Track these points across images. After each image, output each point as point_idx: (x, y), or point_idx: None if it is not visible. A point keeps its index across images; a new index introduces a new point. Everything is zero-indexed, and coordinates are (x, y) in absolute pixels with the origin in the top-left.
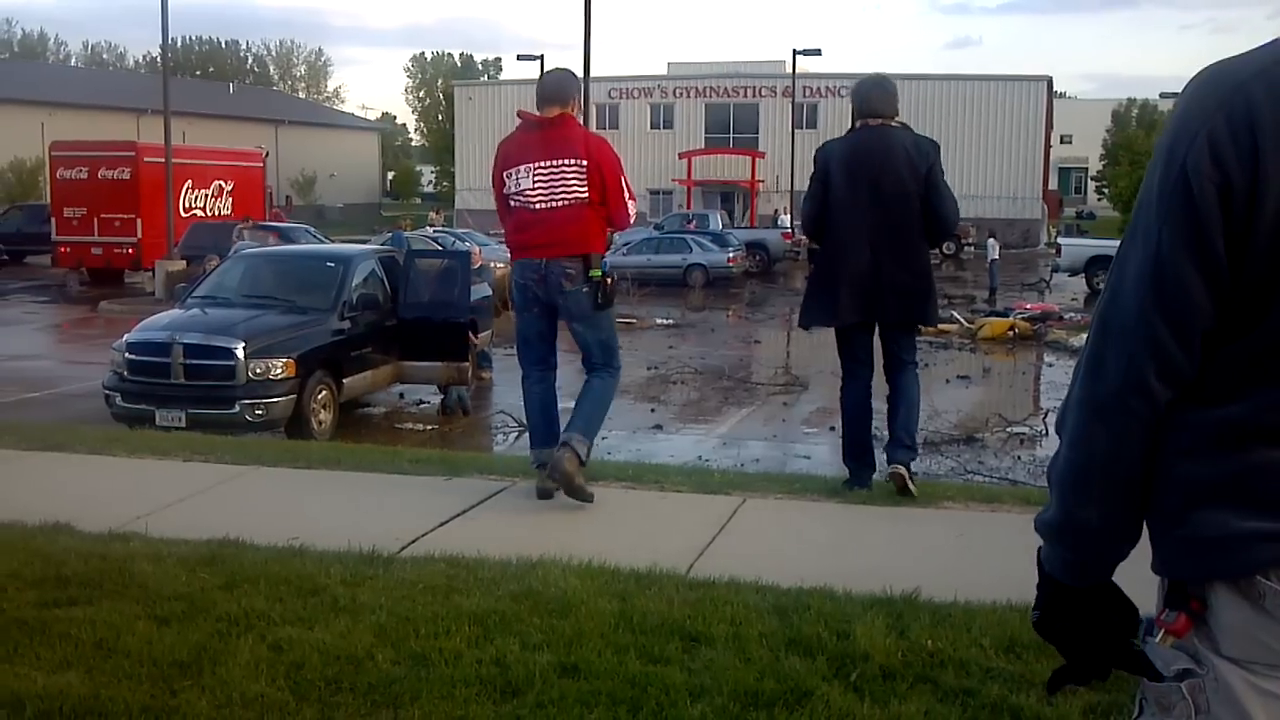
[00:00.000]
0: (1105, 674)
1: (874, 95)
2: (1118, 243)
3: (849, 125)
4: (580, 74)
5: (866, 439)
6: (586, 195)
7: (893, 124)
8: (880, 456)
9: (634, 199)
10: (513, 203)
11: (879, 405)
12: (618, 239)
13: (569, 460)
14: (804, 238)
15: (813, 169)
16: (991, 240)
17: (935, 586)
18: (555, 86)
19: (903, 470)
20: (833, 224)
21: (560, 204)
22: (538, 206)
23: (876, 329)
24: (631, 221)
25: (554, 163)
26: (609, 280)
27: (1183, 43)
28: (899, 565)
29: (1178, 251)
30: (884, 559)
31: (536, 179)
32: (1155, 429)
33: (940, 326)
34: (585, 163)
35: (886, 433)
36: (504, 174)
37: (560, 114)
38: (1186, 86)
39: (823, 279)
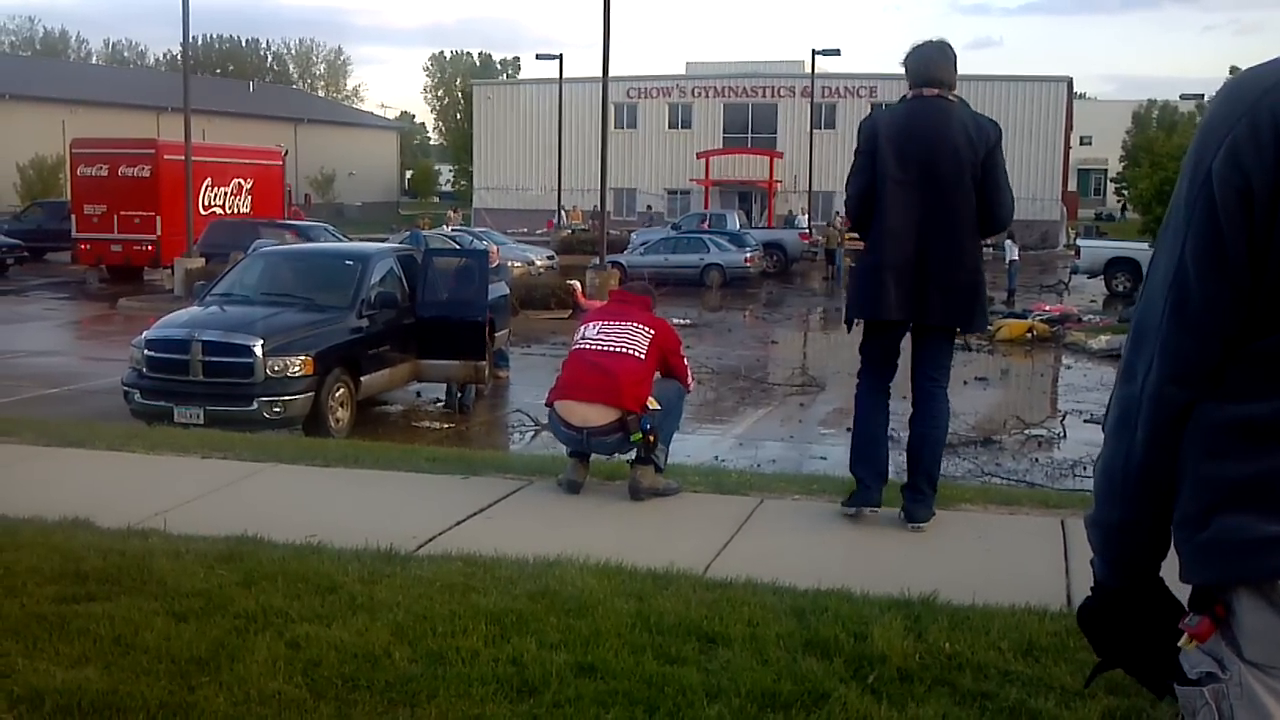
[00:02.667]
0: (1161, 691)
1: (935, 60)
2: (1138, 245)
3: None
4: (599, 74)
5: (882, 440)
6: (644, 354)
7: (950, 96)
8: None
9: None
10: (574, 347)
11: (898, 422)
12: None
13: (643, 475)
14: (822, 238)
15: (857, 142)
16: (1009, 241)
17: (953, 589)
18: (641, 290)
19: (923, 527)
20: (881, 207)
21: (615, 350)
22: (593, 347)
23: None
24: (691, 387)
25: (622, 323)
26: (651, 438)
27: (1205, 43)
28: (917, 567)
29: (1201, 257)
30: (901, 561)
31: (601, 330)
32: (1180, 433)
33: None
34: (651, 331)
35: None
36: (578, 330)
37: (641, 298)
38: (1216, 93)
39: (869, 269)
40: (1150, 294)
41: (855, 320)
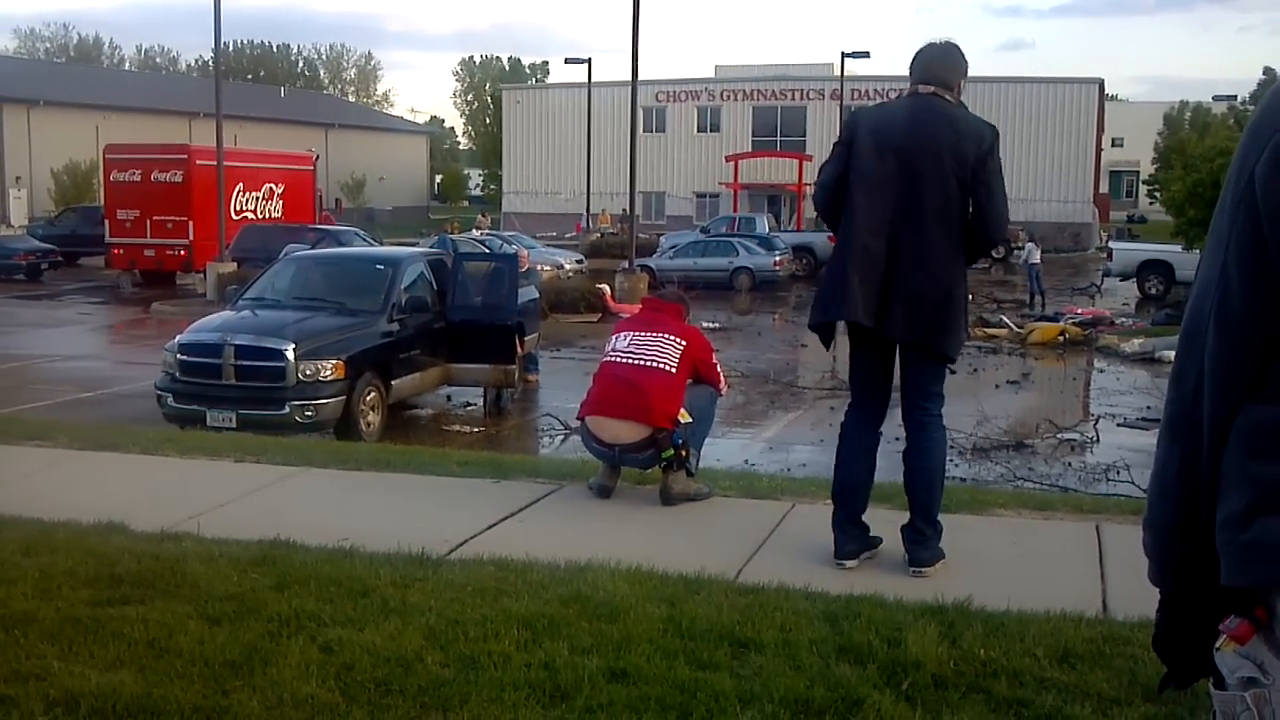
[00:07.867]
0: (1185, 682)
1: (936, 59)
2: (1171, 247)
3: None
4: (628, 78)
5: (863, 486)
6: (675, 367)
7: (947, 97)
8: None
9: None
10: (604, 359)
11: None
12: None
13: (674, 480)
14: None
15: (839, 135)
16: (1030, 244)
17: (987, 595)
18: (674, 298)
19: (927, 572)
20: (850, 202)
21: (646, 364)
22: (623, 360)
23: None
24: (724, 391)
25: (654, 334)
26: (684, 453)
27: (1239, 44)
28: (950, 573)
29: (1243, 260)
30: (935, 567)
31: (632, 341)
32: (1225, 436)
33: (989, 331)
34: (684, 342)
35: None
36: (609, 340)
37: (673, 305)
38: (1264, 96)
39: (835, 267)
40: (1198, 298)
41: (831, 338)
